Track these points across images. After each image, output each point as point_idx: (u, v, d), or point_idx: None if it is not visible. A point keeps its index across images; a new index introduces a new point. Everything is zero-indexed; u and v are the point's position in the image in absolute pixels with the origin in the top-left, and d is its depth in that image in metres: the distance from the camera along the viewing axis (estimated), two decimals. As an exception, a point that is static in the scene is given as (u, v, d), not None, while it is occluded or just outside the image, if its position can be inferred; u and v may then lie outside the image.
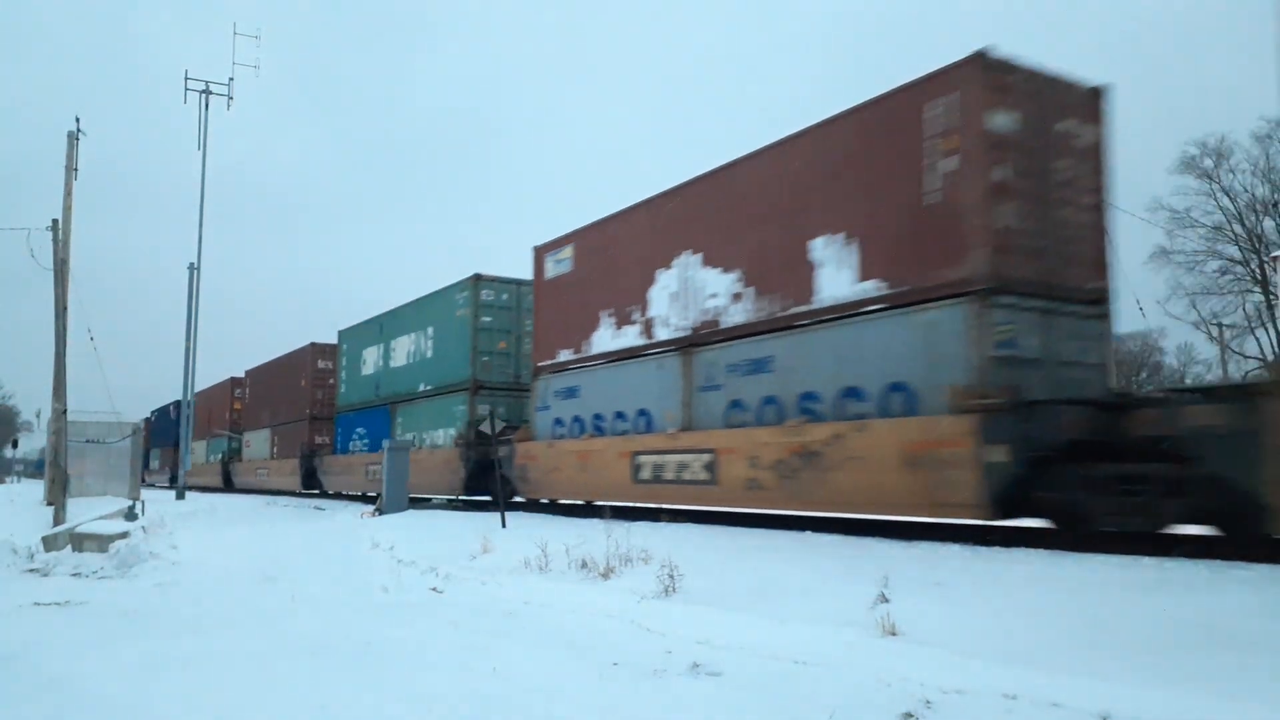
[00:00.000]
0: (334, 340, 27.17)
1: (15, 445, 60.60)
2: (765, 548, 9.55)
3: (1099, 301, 10.11)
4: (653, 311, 13.97)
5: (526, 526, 13.43)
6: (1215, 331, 38.72)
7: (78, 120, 18.95)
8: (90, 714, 4.56)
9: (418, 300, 21.82)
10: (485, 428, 16.89)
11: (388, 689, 4.89)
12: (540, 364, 16.99)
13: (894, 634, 5.67)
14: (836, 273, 10.78)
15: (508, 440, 17.25)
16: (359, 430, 24.54)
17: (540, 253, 17.36)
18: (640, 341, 14.21)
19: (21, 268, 18.12)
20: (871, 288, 10.34)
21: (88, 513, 14.71)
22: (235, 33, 31.37)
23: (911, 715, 4.18)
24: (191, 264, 28.99)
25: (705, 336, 12.83)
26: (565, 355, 16.16)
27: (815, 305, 11.03)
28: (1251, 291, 38.03)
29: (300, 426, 28.79)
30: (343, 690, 4.88)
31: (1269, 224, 37.86)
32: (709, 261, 12.90)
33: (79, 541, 11.85)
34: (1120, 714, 4.09)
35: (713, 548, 9.71)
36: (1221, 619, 5.40)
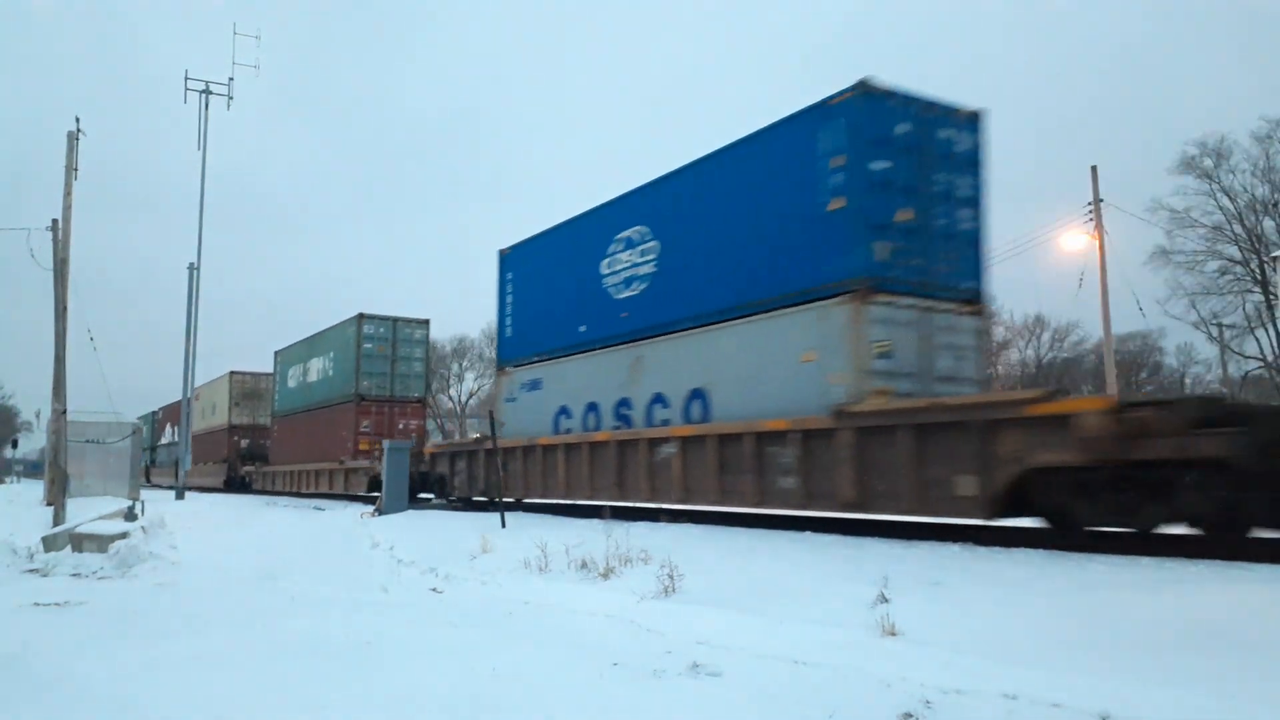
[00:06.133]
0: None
1: (15, 445, 60.63)
2: (765, 548, 9.55)
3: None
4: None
5: (526, 527, 13.43)
6: (1215, 332, 38.74)
7: (78, 120, 18.93)
8: (90, 714, 4.56)
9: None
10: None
11: (387, 689, 4.89)
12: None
13: (894, 634, 5.66)
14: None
15: None
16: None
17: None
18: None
19: (21, 268, 18.13)
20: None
21: (87, 513, 14.71)
22: (235, 33, 31.46)
23: (911, 715, 4.18)
24: (191, 264, 29.09)
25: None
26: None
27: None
28: (1251, 291, 38.01)
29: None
30: (342, 690, 4.88)
31: (1269, 224, 37.84)
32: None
33: (79, 542, 11.84)
34: (1120, 714, 4.09)
35: (712, 548, 9.71)
36: (1221, 619, 5.39)
